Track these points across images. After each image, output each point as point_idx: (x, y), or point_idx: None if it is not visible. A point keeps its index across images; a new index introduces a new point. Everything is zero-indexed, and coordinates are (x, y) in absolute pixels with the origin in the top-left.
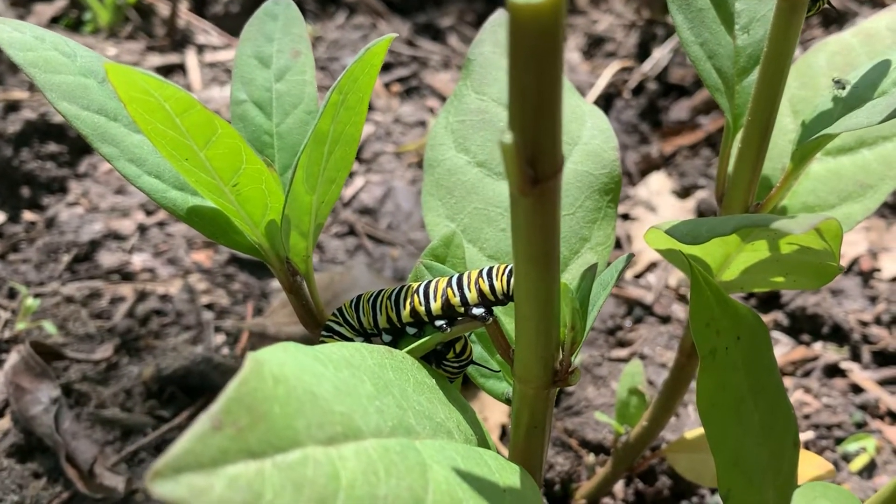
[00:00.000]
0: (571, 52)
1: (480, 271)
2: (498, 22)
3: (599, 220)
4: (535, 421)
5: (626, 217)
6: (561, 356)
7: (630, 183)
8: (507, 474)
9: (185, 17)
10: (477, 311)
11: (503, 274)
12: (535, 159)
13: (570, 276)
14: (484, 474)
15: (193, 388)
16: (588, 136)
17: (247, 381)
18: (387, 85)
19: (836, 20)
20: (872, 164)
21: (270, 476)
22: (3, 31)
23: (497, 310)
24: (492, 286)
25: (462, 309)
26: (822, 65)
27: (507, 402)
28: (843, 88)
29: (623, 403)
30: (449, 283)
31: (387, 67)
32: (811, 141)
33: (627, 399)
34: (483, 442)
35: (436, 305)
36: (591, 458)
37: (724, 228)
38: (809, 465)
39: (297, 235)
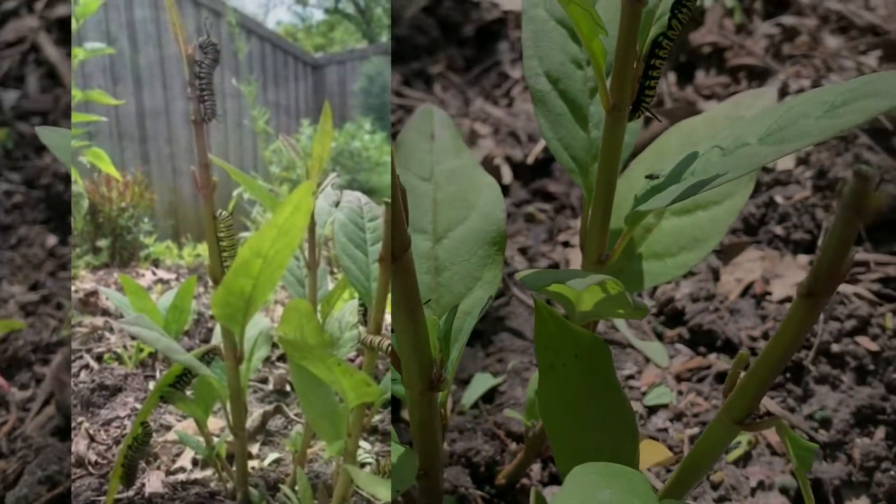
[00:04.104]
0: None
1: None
2: (423, 114)
3: (489, 265)
4: (424, 417)
5: (566, 244)
6: (435, 370)
7: (573, 216)
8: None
9: None
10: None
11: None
12: (395, 247)
13: (466, 306)
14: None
15: None
16: (483, 202)
17: None
18: None
19: (759, 76)
20: (705, 222)
21: None
22: None
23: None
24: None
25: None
26: (674, 143)
27: None
28: (657, 178)
29: (531, 402)
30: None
31: None
32: (635, 212)
33: (533, 398)
34: None
35: None
36: (513, 446)
37: (546, 281)
38: (652, 452)
39: None
